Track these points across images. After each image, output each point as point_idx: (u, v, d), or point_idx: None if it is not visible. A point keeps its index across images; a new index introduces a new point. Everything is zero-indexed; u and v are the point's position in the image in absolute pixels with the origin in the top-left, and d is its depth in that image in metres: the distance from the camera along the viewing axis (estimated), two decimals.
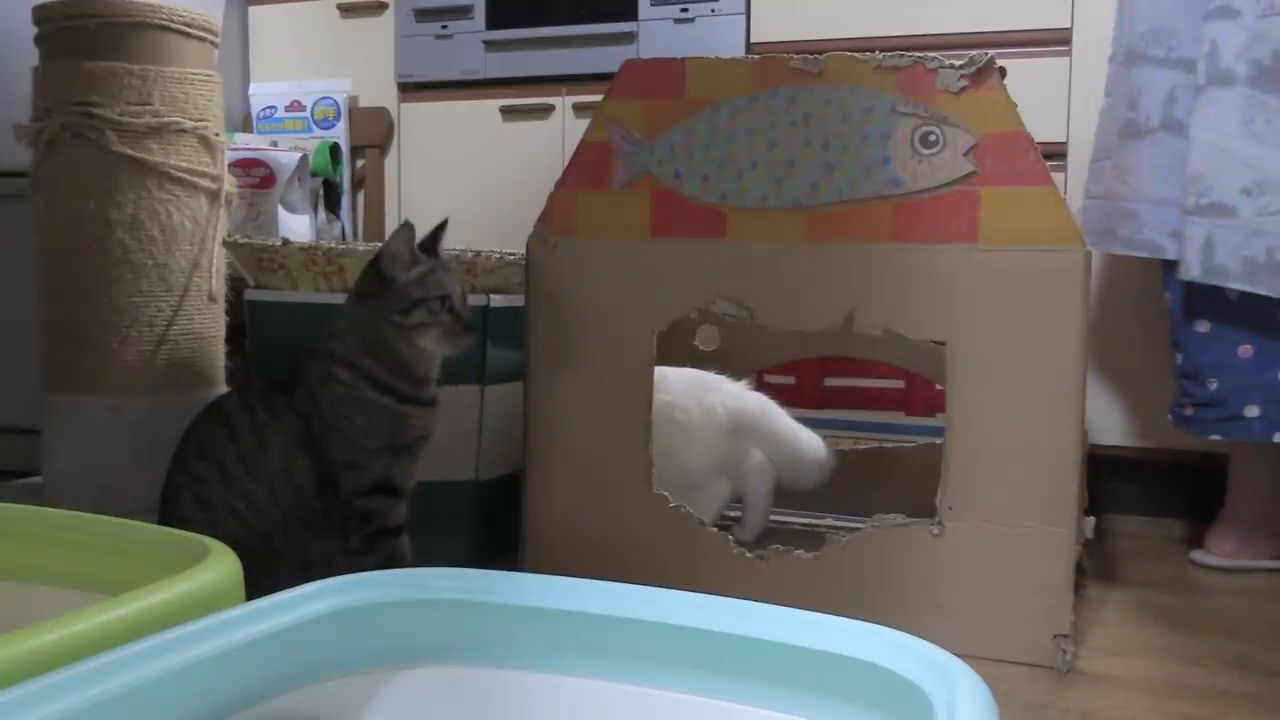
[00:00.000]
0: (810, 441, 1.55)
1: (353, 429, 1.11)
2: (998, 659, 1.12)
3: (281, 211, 2.08)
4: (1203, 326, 1.47)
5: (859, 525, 1.21)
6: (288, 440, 1.10)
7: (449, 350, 1.12)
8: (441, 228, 1.17)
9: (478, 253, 1.40)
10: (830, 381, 1.78)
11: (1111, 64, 1.54)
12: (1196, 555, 1.54)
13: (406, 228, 1.11)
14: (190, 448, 1.11)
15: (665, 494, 1.26)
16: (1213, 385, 1.46)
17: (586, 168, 1.30)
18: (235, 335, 1.53)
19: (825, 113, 1.20)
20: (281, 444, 1.09)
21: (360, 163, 2.35)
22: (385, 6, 2.31)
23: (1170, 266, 1.47)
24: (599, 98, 1.33)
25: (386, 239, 1.12)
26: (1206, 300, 1.44)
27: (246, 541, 0.87)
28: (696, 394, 1.48)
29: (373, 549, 1.12)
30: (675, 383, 1.44)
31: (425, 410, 1.13)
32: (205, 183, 1.46)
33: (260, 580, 0.79)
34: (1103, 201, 1.53)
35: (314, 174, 2.21)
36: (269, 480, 1.09)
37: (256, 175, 2.05)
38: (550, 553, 1.31)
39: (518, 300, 1.38)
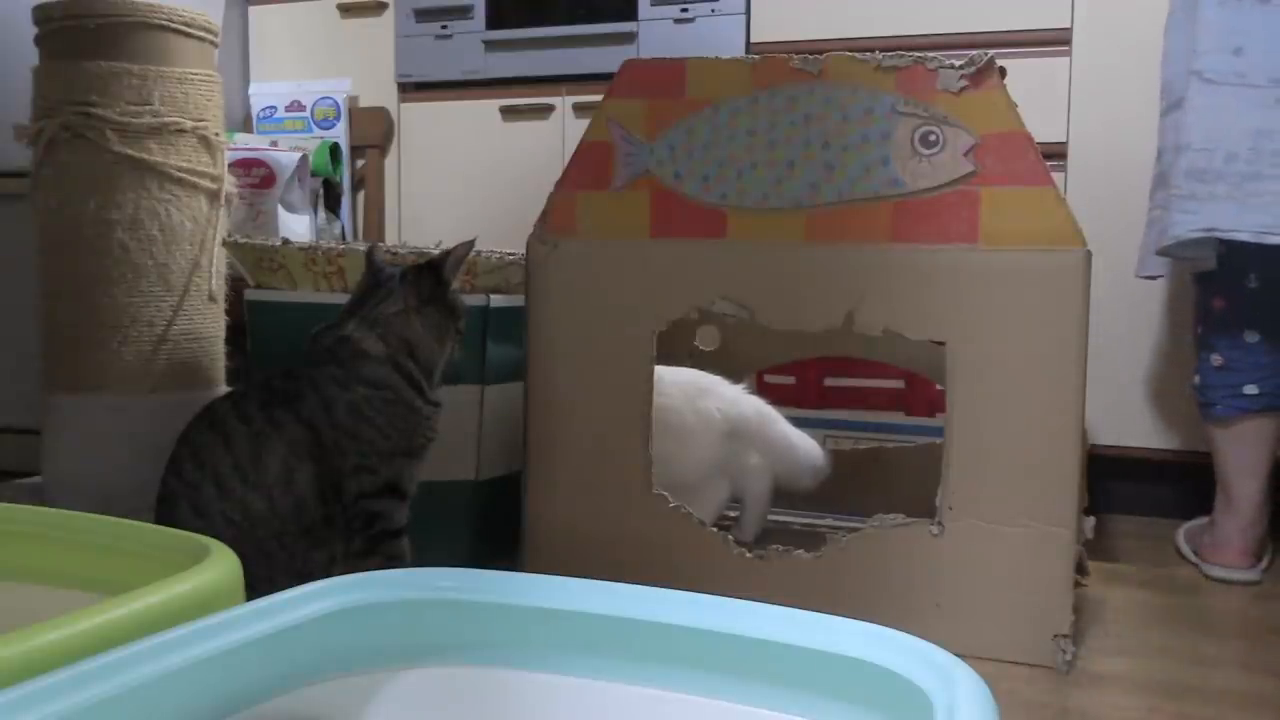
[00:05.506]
0: (806, 447, 1.55)
1: (372, 430, 1.11)
2: (998, 659, 1.12)
3: (281, 211, 2.08)
4: (1219, 303, 1.53)
5: (859, 525, 1.20)
6: (288, 450, 1.09)
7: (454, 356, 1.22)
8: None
9: (478, 253, 1.40)
10: (830, 381, 1.78)
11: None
12: (1209, 570, 1.52)
13: (469, 245, 1.21)
14: (185, 454, 1.10)
15: (665, 494, 1.26)
16: (1218, 361, 1.52)
17: (586, 168, 1.30)
18: (235, 335, 1.53)
19: (825, 113, 1.20)
20: (281, 454, 1.09)
21: (360, 163, 2.35)
22: (385, 6, 2.31)
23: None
24: (599, 98, 1.33)
25: (452, 247, 1.20)
26: (1224, 282, 1.51)
27: (243, 551, 0.86)
28: (692, 398, 1.47)
29: (375, 551, 1.12)
30: (670, 385, 1.44)
31: (436, 411, 1.18)
32: (205, 183, 1.46)
33: (257, 588, 0.79)
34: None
35: (314, 174, 2.21)
36: (267, 490, 1.08)
37: (256, 175, 2.05)
38: (550, 553, 1.31)
39: (518, 300, 1.38)
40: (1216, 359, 1.52)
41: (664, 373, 1.41)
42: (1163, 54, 1.53)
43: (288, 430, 1.10)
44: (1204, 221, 1.41)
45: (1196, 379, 1.55)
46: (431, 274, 1.18)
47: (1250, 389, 1.48)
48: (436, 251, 1.37)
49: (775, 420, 1.54)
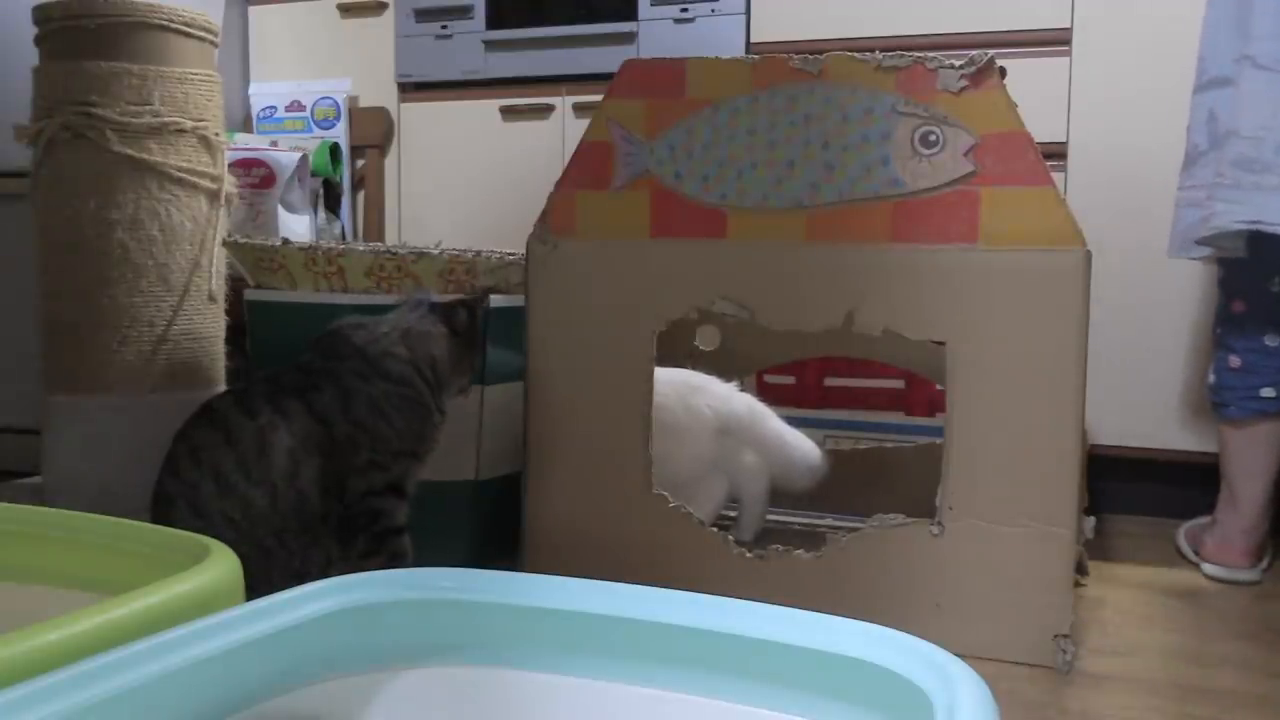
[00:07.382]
0: (800, 445, 1.55)
1: (388, 428, 1.13)
2: (998, 659, 1.12)
3: (281, 211, 2.08)
4: (1239, 305, 1.51)
5: (859, 525, 1.20)
6: (295, 444, 1.08)
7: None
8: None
9: (478, 253, 1.40)
10: (830, 381, 1.78)
11: None
12: (1209, 569, 1.52)
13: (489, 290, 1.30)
14: (182, 453, 1.09)
15: (665, 494, 1.26)
16: (1235, 363, 1.50)
17: (586, 168, 1.30)
18: (235, 335, 1.53)
19: (825, 113, 1.20)
20: (287, 447, 1.08)
21: (360, 163, 2.35)
22: (385, 6, 2.31)
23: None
24: (599, 98, 1.33)
25: (485, 291, 1.28)
26: (1247, 284, 1.50)
27: (242, 550, 0.86)
28: (683, 395, 1.48)
29: (378, 549, 1.13)
30: (662, 384, 1.44)
31: (443, 420, 1.20)
32: (205, 183, 1.46)
33: (257, 588, 0.79)
34: None
35: (314, 174, 2.21)
36: (271, 485, 1.07)
37: (256, 175, 2.05)
38: (550, 553, 1.31)
39: (518, 300, 1.38)
40: (1234, 360, 1.50)
41: (657, 372, 1.41)
42: (1203, 27, 1.48)
43: (297, 423, 1.09)
44: (1250, 213, 1.36)
45: (1212, 378, 1.54)
46: (465, 310, 1.23)
47: (1267, 391, 1.47)
48: (436, 250, 1.37)
49: (768, 417, 1.54)
